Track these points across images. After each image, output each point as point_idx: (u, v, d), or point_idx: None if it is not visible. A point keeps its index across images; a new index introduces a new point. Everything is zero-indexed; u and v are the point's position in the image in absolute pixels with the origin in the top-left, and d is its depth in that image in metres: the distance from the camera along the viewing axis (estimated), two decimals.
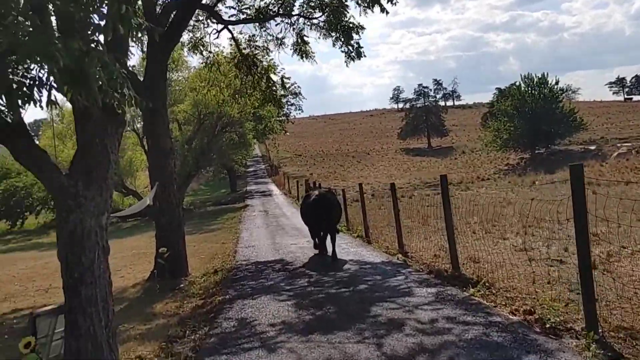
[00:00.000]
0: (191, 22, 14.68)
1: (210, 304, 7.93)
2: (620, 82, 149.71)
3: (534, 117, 55.20)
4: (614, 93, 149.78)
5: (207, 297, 8.53)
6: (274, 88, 14.90)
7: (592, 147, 54.55)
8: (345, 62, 14.50)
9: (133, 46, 12.58)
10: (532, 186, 39.31)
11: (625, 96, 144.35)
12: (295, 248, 13.64)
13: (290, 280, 9.05)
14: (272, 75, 14.90)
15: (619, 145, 51.66)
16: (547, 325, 5.37)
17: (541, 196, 26.86)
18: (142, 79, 11.67)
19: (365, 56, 14.35)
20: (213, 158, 38.30)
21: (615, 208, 8.56)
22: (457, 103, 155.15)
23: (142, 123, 36.79)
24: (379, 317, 6.20)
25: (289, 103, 66.30)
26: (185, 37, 15.52)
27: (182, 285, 9.70)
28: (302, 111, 73.16)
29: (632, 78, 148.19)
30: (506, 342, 5.00)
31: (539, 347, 4.79)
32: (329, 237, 11.60)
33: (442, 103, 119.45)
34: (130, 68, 11.54)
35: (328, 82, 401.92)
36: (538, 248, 11.68)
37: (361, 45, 14.37)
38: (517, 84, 57.98)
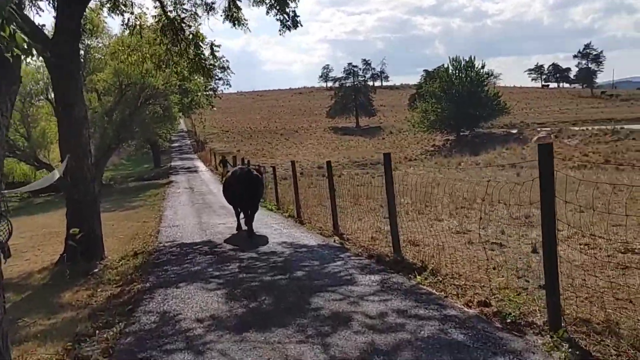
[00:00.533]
0: None
1: (128, 293, 6.99)
2: (538, 69, 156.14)
3: (461, 100, 56.22)
4: (532, 80, 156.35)
5: (125, 285, 7.57)
6: (203, 56, 13.77)
7: (514, 131, 56.28)
8: (280, 31, 13.61)
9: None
10: (458, 167, 40.10)
11: (543, 83, 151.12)
12: (223, 228, 12.77)
13: (219, 265, 8.22)
14: (200, 43, 13.75)
15: (538, 129, 53.53)
16: (508, 320, 4.89)
17: (468, 177, 27.30)
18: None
19: (301, 25, 13.53)
20: (135, 131, 36.23)
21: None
22: (385, 84, 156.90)
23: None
24: (321, 310, 5.52)
25: (216, 77, 64.02)
26: None
27: (96, 270, 8.65)
28: (230, 86, 71.08)
29: (550, 66, 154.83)
30: (468, 340, 4.46)
31: (504, 347, 4.28)
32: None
33: (370, 83, 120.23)
34: (39, 26, 10.15)
35: (257, 57, 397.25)
36: (474, 230, 11.43)
37: (297, 13, 13.52)
38: (445, 66, 58.79)
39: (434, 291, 6.03)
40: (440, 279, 6.53)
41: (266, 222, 13.31)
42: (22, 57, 3.97)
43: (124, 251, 10.59)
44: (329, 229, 11.54)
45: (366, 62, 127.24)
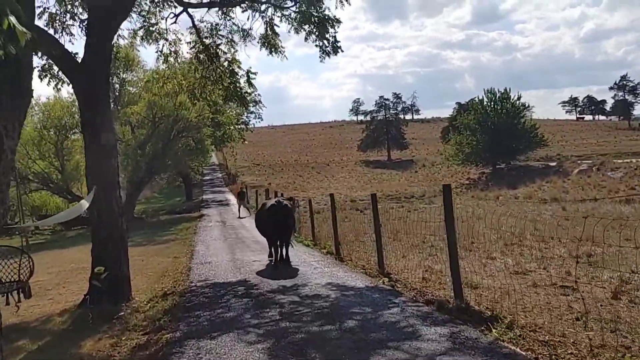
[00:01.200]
0: (144, 5, 12.88)
1: (156, 344, 6.11)
2: (573, 101, 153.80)
3: (496, 132, 55.01)
4: (566, 112, 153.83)
5: (153, 333, 6.71)
6: (238, 84, 13.15)
7: (553, 164, 54.66)
8: (320, 57, 12.92)
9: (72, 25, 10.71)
10: (497, 200, 38.70)
11: (578, 115, 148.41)
12: (258, 266, 11.88)
13: (257, 310, 7.31)
14: (236, 69, 13.15)
15: (579, 162, 51.83)
16: None
17: (510, 211, 25.97)
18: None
19: (342, 50, 12.84)
20: (168, 164, 36.14)
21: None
22: (415, 117, 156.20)
23: None
24: None
25: (249, 111, 64.33)
26: (138, 24, 13.70)
27: (122, 313, 7.83)
28: (262, 119, 71.28)
29: (584, 98, 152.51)
30: None
31: None
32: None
33: (401, 117, 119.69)
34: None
35: (287, 93, 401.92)
36: (535, 270, 10.34)
37: (337, 39, 12.84)
38: (480, 98, 57.81)
39: (519, 350, 5.00)
40: (520, 333, 5.51)
41: (304, 260, 12.40)
42: (35, 69, 3.24)
43: (153, 291, 9.76)
44: (373, 267, 10.59)
45: (397, 96, 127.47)
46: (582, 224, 18.21)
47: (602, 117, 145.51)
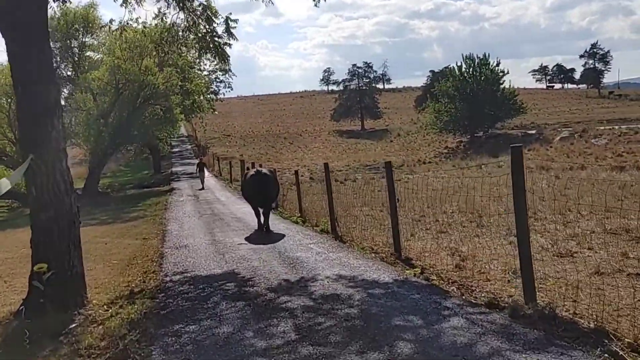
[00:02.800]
0: None
1: None
2: (542, 70, 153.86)
3: (475, 99, 53.44)
4: (536, 81, 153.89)
5: (113, 358, 4.72)
6: (216, 33, 10.94)
7: (532, 132, 53.47)
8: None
9: None
10: (480, 170, 37.25)
11: (547, 84, 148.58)
12: (246, 251, 9.87)
13: (259, 322, 5.29)
14: (212, 17, 10.91)
15: (559, 129, 50.75)
16: None
17: (502, 181, 24.44)
18: None
19: None
20: (134, 135, 33.47)
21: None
22: (387, 86, 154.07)
23: None
24: None
25: (217, 80, 61.53)
26: None
27: (72, 325, 5.78)
28: (232, 89, 68.52)
29: (554, 67, 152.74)
30: None
31: None
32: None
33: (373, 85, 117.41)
34: None
35: (255, 63, 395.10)
36: (579, 252, 8.63)
37: None
38: (458, 64, 55.99)
39: None
40: None
41: (300, 241, 10.47)
42: None
43: (116, 288, 7.67)
44: (385, 250, 8.77)
45: (367, 65, 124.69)
46: (590, 192, 16.72)
47: (571, 86, 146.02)
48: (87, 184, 32.21)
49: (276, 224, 13.86)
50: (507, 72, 55.12)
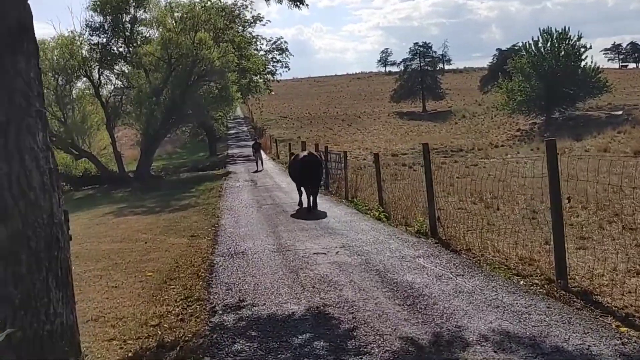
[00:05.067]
0: None
1: None
2: (615, 48, 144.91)
3: (553, 77, 48.77)
4: (609, 60, 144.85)
5: None
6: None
7: (618, 112, 48.47)
8: None
9: None
10: (565, 154, 33.28)
11: (621, 63, 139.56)
12: (328, 267, 6.99)
13: None
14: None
15: None
16: None
17: (599, 168, 20.97)
18: None
19: None
20: (188, 114, 31.21)
21: None
22: (447, 67, 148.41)
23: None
24: None
25: (274, 60, 58.90)
26: None
27: None
28: (289, 69, 65.66)
29: (627, 45, 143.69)
30: None
31: None
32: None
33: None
34: None
35: (309, 46, 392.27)
36: None
37: None
38: (534, 38, 51.25)
39: None
40: None
41: (400, 252, 7.56)
42: None
43: (140, 329, 5.03)
44: (524, 268, 5.86)
45: (426, 45, 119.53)
46: None
47: None
48: (139, 167, 30.33)
49: (356, 220, 11.05)
50: (590, 47, 50.17)
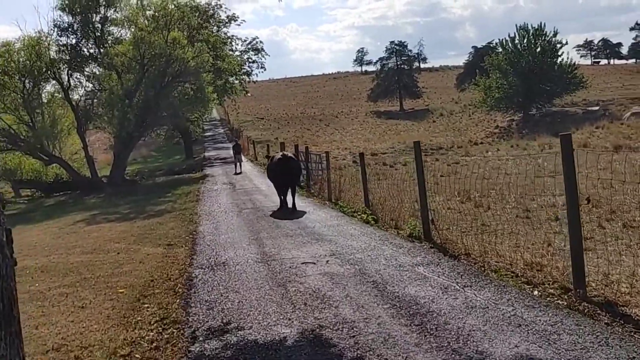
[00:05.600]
0: None
1: None
2: (587, 45, 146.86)
3: (530, 73, 48.85)
4: (581, 57, 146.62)
5: None
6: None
7: (595, 108, 48.70)
8: None
9: None
10: (544, 150, 33.12)
11: (593, 60, 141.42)
12: (319, 278, 6.32)
13: None
14: None
15: (628, 105, 45.97)
16: None
17: (587, 163, 20.73)
18: None
19: None
20: (162, 116, 30.28)
21: None
22: (423, 66, 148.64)
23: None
24: None
25: (250, 60, 57.97)
26: None
27: None
28: (265, 69, 64.46)
29: (599, 41, 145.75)
30: None
31: None
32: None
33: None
34: None
35: (285, 47, 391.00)
36: None
37: None
38: (511, 35, 51.30)
39: None
40: None
41: (397, 260, 6.95)
42: None
43: (108, 359, 4.35)
44: (535, 276, 5.33)
45: (401, 44, 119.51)
46: None
47: (618, 61, 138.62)
48: (112, 172, 29.35)
49: (343, 224, 10.44)
50: (566, 43, 50.37)
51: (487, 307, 4.76)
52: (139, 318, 5.59)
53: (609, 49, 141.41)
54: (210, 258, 8.16)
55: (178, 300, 6.03)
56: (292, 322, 4.85)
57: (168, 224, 13.52)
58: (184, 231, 11.70)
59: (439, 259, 6.86)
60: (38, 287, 7.63)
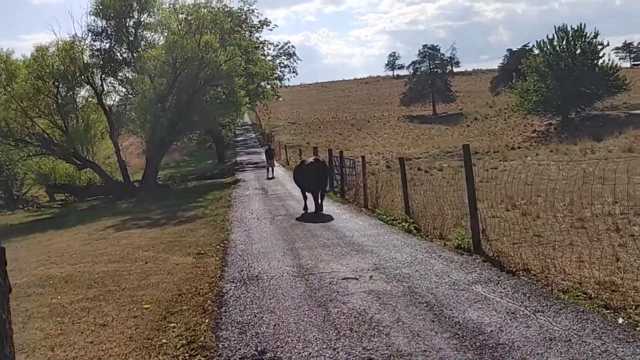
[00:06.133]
0: None
1: None
2: (627, 47, 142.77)
3: (570, 76, 47.23)
4: (620, 59, 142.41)
5: None
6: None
7: (639, 111, 46.84)
8: None
9: None
10: (587, 156, 31.78)
11: (632, 62, 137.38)
12: (364, 297, 5.63)
13: None
14: None
15: None
16: None
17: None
18: None
19: None
20: (195, 120, 30.00)
21: None
22: (455, 70, 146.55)
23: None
24: None
25: (281, 65, 57.68)
26: None
27: None
28: (297, 74, 64.12)
29: (639, 44, 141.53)
30: None
31: None
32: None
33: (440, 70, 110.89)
34: None
35: (316, 52, 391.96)
36: None
37: None
38: (549, 37, 49.72)
39: None
40: None
41: (449, 276, 6.22)
42: None
43: None
44: (631, 301, 4.53)
45: (434, 48, 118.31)
46: None
47: None
48: (145, 176, 29.20)
49: (383, 233, 9.75)
50: (607, 44, 48.60)
51: (570, 340, 4.03)
52: (164, 340, 5.02)
53: None
54: (242, 270, 7.56)
55: (207, 320, 5.42)
56: (338, 352, 4.19)
57: (199, 230, 13.03)
58: (215, 239, 11.17)
59: (497, 276, 6.12)
60: (60, 299, 7.15)
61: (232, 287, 6.61)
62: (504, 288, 5.59)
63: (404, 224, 10.59)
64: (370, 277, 6.44)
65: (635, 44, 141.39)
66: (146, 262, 9.34)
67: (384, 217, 11.89)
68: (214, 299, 6.21)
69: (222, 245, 10.23)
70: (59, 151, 26.27)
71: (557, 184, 16.87)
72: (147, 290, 7.20)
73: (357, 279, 6.38)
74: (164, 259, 9.61)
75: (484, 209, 13.52)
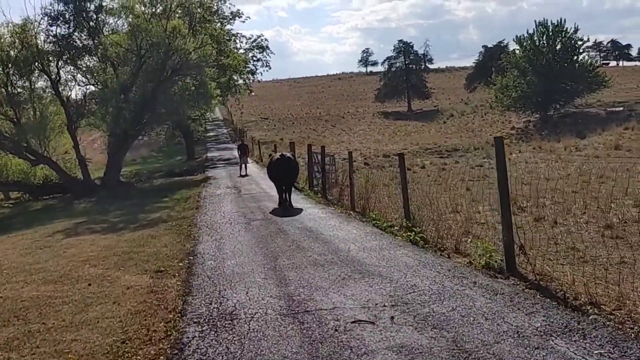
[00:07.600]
0: None
1: None
2: (597, 46, 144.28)
3: (550, 72, 46.25)
4: (589, 58, 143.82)
5: None
6: None
7: (618, 109, 46.14)
8: None
9: None
10: (572, 153, 30.65)
11: (602, 61, 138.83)
12: (387, 355, 3.96)
13: None
14: None
15: None
16: None
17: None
18: None
19: None
20: (161, 113, 27.74)
21: None
22: (429, 67, 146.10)
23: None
24: None
25: (254, 58, 55.48)
26: None
27: None
28: (270, 68, 61.70)
29: (608, 43, 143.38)
30: None
31: None
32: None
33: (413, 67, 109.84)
34: None
35: (288, 48, 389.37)
36: None
37: None
38: (529, 32, 48.67)
39: None
40: None
41: (486, 316, 4.49)
42: None
43: None
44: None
45: (408, 44, 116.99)
46: None
47: (627, 63, 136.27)
48: (106, 173, 26.90)
49: (386, 247, 7.95)
50: (587, 40, 47.74)
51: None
52: None
53: (617, 50, 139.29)
54: (211, 302, 5.66)
55: None
56: None
57: (161, 238, 11.05)
58: (179, 250, 9.24)
59: (573, 319, 4.35)
60: None
61: (197, 334, 4.70)
62: (592, 342, 3.83)
63: (407, 233, 8.80)
64: (392, 318, 4.62)
65: (604, 44, 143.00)
66: (89, 284, 7.35)
67: (380, 223, 10.12)
68: (170, 355, 4.31)
69: (187, 260, 8.31)
70: (10, 145, 23.82)
71: (556, 184, 15.43)
72: (80, 331, 5.26)
73: (373, 322, 4.54)
74: (113, 278, 7.64)
75: (486, 212, 11.90)
